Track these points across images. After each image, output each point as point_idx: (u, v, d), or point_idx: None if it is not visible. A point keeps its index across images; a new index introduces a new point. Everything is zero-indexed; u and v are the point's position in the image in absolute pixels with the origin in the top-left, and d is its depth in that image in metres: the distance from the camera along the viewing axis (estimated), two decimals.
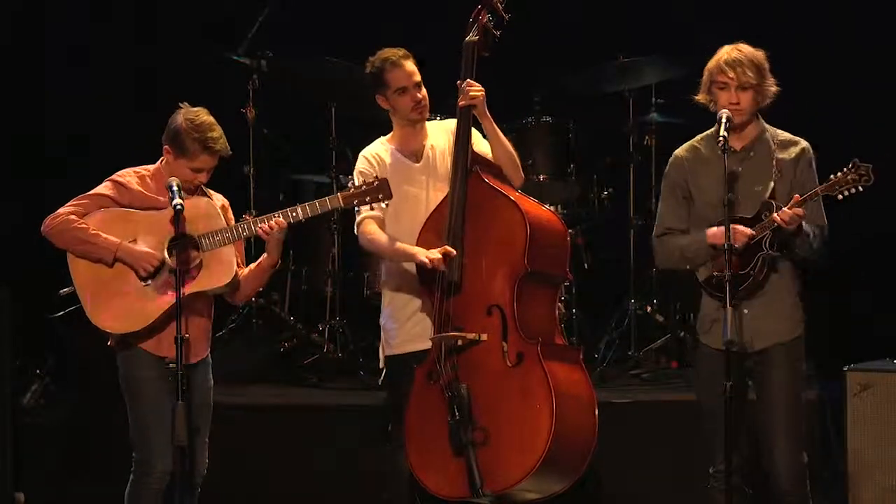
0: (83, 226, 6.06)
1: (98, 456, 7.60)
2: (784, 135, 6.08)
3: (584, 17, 9.20)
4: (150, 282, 6.07)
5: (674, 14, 8.95)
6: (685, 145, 6.17)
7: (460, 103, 6.33)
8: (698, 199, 6.06)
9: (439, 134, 6.51)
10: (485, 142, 6.43)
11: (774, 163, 5.99)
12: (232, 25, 9.06)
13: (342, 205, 6.16)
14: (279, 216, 6.11)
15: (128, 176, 6.18)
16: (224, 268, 6.09)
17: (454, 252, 6.21)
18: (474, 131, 6.42)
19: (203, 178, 6.14)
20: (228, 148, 6.15)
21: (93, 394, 7.82)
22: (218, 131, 6.12)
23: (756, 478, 6.06)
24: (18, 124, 9.21)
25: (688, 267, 6.06)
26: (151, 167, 6.21)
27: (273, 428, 7.75)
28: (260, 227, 6.10)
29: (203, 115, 6.13)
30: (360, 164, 6.51)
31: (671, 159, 6.16)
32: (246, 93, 8.86)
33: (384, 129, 6.67)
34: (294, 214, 6.13)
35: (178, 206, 5.94)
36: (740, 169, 6.01)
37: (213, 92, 8.94)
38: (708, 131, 6.12)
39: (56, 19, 9.33)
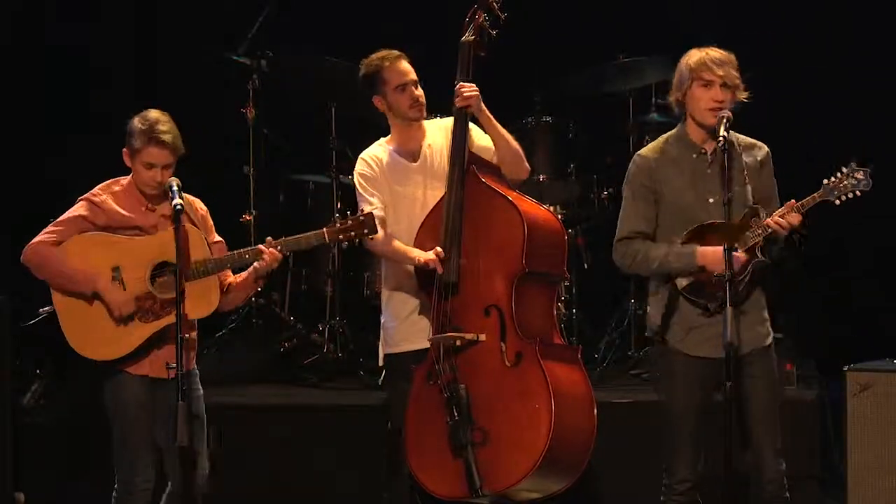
0: (61, 258, 6.03)
1: (98, 456, 7.58)
2: (745, 139, 6.01)
3: (584, 17, 9.19)
4: None
5: (672, 13, 8.93)
6: (650, 146, 6.05)
7: (456, 104, 6.34)
8: (670, 202, 5.94)
9: (437, 133, 6.52)
10: (485, 136, 6.43)
11: (745, 166, 5.95)
12: (232, 25, 9.06)
13: (327, 241, 6.08)
14: (268, 249, 6.03)
15: (103, 195, 6.13)
16: (206, 300, 6.06)
17: (442, 253, 6.22)
18: (474, 127, 6.43)
19: (157, 174, 6.02)
20: (180, 145, 6.05)
21: (93, 394, 7.81)
22: (166, 125, 6.03)
23: (713, 493, 6.02)
24: (19, 125, 9.21)
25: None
26: (125, 180, 6.16)
27: (273, 428, 7.74)
28: (256, 265, 6.05)
29: (154, 112, 6.08)
30: (359, 166, 6.54)
31: (636, 160, 6.01)
32: (246, 93, 8.84)
33: (384, 129, 6.67)
34: (278, 248, 6.05)
35: (178, 206, 5.92)
36: (709, 171, 5.91)
37: (213, 92, 9.00)
38: (672, 131, 6.04)
39: (56, 19, 9.32)
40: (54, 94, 9.30)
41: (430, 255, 6.24)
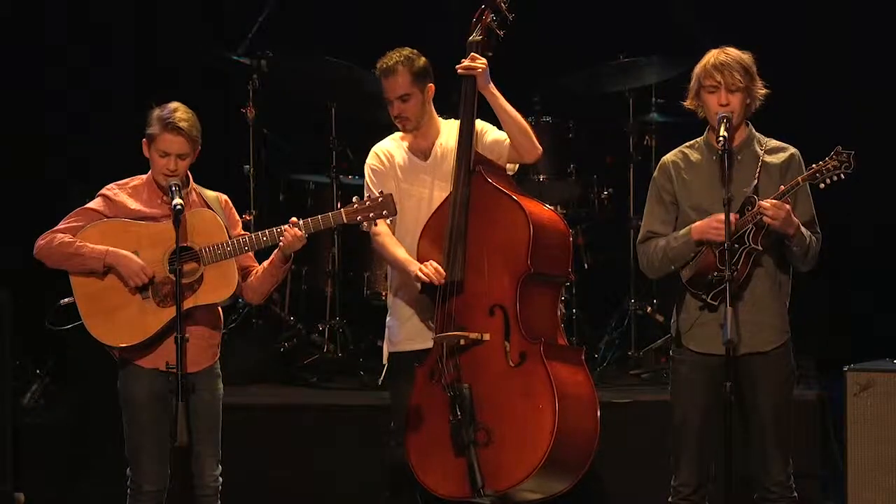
0: (69, 240, 5.97)
1: (98, 456, 7.59)
2: (773, 142, 6.04)
3: (584, 17, 9.20)
4: (149, 295, 5.99)
5: (673, 13, 8.94)
6: (673, 151, 6.13)
7: (458, 69, 6.30)
8: (684, 202, 6.01)
9: (452, 132, 6.48)
10: (495, 131, 6.42)
11: (760, 165, 5.98)
12: (232, 25, 9.06)
13: (345, 221, 6.00)
14: (291, 229, 5.95)
15: (116, 189, 6.09)
16: (225, 282, 5.99)
17: (439, 273, 6.22)
18: (483, 123, 6.42)
19: (171, 164, 5.97)
20: (196, 136, 5.98)
21: (93, 394, 7.81)
22: (183, 114, 5.97)
23: (718, 494, 6.00)
24: (19, 123, 9.21)
25: (672, 268, 5.99)
26: (145, 176, 6.11)
27: (273, 428, 7.75)
28: (281, 239, 5.97)
29: (175, 103, 6.01)
30: (370, 159, 6.54)
31: (659, 165, 6.12)
32: (246, 93, 8.85)
33: (384, 129, 6.67)
34: (299, 227, 5.97)
35: (178, 207, 5.88)
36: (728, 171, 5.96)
37: (214, 92, 9.00)
38: (697, 139, 6.09)
39: (55, 19, 9.32)
40: (54, 93, 9.29)
41: (428, 270, 6.22)
